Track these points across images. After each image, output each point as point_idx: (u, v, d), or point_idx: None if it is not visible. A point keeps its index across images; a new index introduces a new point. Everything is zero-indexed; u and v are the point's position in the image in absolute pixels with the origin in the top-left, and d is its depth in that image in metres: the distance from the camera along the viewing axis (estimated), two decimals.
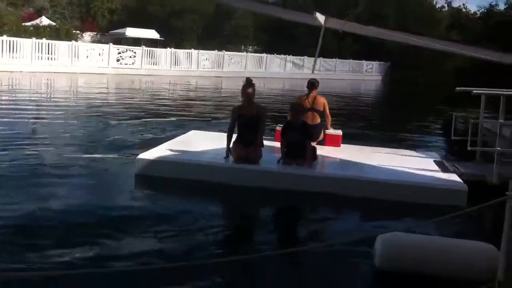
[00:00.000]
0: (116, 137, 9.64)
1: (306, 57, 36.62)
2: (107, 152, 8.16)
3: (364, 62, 43.48)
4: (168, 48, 31.57)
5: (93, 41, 40.22)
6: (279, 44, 39.32)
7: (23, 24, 34.45)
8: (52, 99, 17.00)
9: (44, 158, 7.56)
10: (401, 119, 16.74)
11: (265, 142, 7.03)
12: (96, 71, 26.68)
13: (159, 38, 40.81)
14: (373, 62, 44.00)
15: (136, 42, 37.48)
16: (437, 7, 55.11)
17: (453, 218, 3.21)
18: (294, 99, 9.31)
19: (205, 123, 12.37)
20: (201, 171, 6.64)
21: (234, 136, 6.94)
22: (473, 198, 5.80)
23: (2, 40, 24.51)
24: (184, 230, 4.98)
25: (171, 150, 7.27)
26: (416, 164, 7.45)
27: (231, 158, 6.86)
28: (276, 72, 36.22)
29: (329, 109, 8.71)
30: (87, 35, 43.29)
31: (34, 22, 36.85)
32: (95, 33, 45.15)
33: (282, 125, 7.40)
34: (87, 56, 27.29)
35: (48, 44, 26.01)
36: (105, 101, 16.87)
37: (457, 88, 7.81)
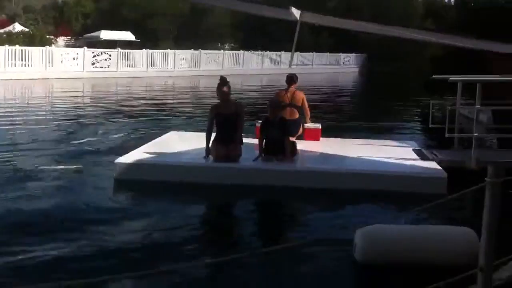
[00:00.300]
0: (92, 141, 9.51)
1: (283, 52, 36.61)
2: (84, 157, 8.03)
3: (342, 55, 43.69)
4: (144, 50, 31.30)
5: (67, 46, 39.72)
6: (256, 41, 39.28)
7: None
8: (26, 106, 16.72)
9: (19, 165, 7.42)
10: (379, 109, 16.85)
11: (245, 139, 6.99)
12: (72, 75, 26.31)
13: (135, 40, 40.44)
14: (350, 55, 44.25)
15: (111, 44, 37.05)
16: None
17: (434, 206, 3.20)
18: (273, 94, 9.29)
19: (184, 123, 12.30)
20: (181, 172, 6.58)
21: (213, 135, 6.90)
22: (453, 184, 5.84)
23: None
24: (167, 232, 4.93)
25: (150, 153, 7.19)
26: (395, 153, 7.49)
27: (211, 157, 6.81)
28: (254, 68, 36.18)
29: (308, 102, 8.73)
30: (61, 40, 42.77)
31: (7, 29, 36.28)
32: (69, 37, 44.62)
33: (261, 121, 7.38)
34: (62, 61, 26.89)
35: (22, 50, 25.57)
36: (81, 106, 16.68)
37: (434, 75, 7.86)
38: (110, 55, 28.95)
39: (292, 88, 8.56)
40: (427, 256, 3.99)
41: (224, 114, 6.78)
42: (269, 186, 6.25)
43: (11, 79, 23.63)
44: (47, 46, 27.45)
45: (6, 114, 13.69)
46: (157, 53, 31.51)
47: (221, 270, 4.10)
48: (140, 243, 4.68)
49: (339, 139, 8.92)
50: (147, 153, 7.17)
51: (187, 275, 4.00)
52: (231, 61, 35.57)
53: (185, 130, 10.11)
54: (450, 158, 7.09)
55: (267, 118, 7.05)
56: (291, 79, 8.64)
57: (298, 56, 36.25)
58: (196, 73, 31.96)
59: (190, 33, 43.00)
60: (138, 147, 7.54)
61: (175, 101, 18.58)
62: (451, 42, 9.59)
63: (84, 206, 5.65)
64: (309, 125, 8.63)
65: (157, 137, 8.59)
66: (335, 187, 6.20)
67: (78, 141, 9.62)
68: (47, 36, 35.42)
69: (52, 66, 26.23)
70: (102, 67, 28.47)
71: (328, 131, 9.25)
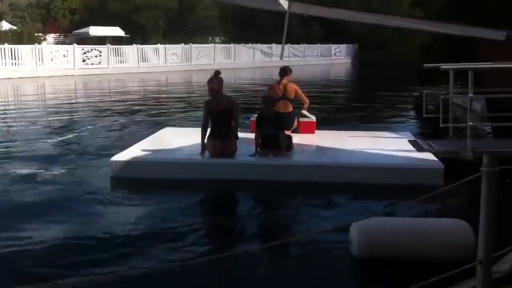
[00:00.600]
0: (86, 140, 9.47)
1: (274, 44, 36.47)
2: (79, 156, 8.01)
3: (333, 46, 43.55)
4: (135, 45, 31.10)
5: (57, 43, 39.45)
6: (246, 33, 39.09)
7: None
8: (18, 105, 16.61)
9: (12, 164, 7.40)
10: (373, 100, 16.84)
11: (240, 134, 6.98)
12: (63, 73, 26.16)
13: (124, 35, 40.18)
14: (341, 45, 44.10)
15: (101, 40, 36.83)
16: None
17: (431, 198, 3.20)
18: (266, 87, 9.25)
19: (178, 119, 12.26)
20: (177, 168, 6.56)
21: (209, 130, 6.88)
22: (450, 175, 5.85)
23: None
24: (163, 229, 4.92)
25: (145, 150, 7.17)
26: (391, 145, 7.50)
27: (206, 153, 6.80)
28: (246, 62, 36.07)
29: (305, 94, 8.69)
30: (50, 37, 42.43)
31: None
32: (58, 34, 44.25)
33: (256, 115, 7.36)
34: (52, 59, 26.71)
35: (11, 49, 25.38)
36: (73, 104, 16.57)
37: (425, 65, 7.80)
38: (100, 52, 28.77)
39: (285, 80, 8.52)
40: (425, 250, 3.97)
41: (217, 110, 6.76)
42: (265, 181, 6.25)
43: (2, 78, 23.45)
44: (37, 44, 27.23)
45: None
46: (148, 48, 31.34)
47: (217, 266, 4.09)
48: (137, 239, 4.66)
49: (334, 131, 8.92)
50: (143, 150, 7.14)
51: (183, 271, 4.00)
52: (223, 55, 35.42)
53: (180, 126, 10.07)
54: (446, 148, 7.07)
55: (261, 114, 7.03)
56: (284, 71, 8.59)
57: (289, 48, 36.12)
58: (188, 67, 31.85)
59: (179, 27, 42.75)
60: (133, 144, 7.51)
61: (168, 96, 18.50)
62: (442, 30, 9.57)
63: (79, 204, 5.64)
64: (304, 118, 8.63)
65: (151, 134, 8.57)
66: (331, 180, 6.20)
67: (71, 139, 9.59)
68: (36, 34, 35.15)
69: (42, 64, 26.07)
70: (93, 64, 28.30)
71: (324, 124, 9.25)
